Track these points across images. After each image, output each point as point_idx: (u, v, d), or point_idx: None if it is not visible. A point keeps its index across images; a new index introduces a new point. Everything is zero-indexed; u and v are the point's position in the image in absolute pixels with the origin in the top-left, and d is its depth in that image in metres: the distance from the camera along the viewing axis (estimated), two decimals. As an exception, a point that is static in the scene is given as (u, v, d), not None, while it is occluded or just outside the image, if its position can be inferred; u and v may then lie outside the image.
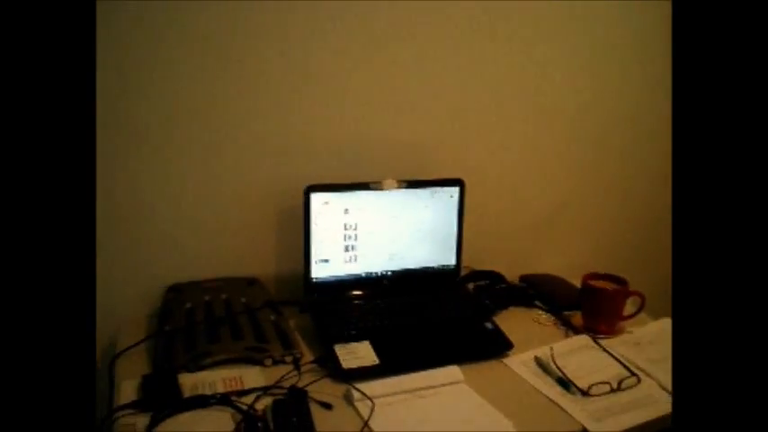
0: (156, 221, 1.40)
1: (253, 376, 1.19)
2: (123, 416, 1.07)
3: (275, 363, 1.24)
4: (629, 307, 1.44)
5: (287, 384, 1.16)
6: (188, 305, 1.37)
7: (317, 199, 1.37)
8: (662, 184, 1.95)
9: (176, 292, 1.42)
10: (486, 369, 1.28)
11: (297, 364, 1.24)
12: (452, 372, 1.22)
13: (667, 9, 1.76)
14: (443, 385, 1.19)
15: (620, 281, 1.45)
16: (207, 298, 1.39)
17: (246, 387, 1.15)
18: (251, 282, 1.48)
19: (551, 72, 1.67)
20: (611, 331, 1.43)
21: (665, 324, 1.49)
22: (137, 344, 1.29)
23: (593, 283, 1.45)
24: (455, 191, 1.49)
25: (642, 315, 1.44)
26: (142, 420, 1.05)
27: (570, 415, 1.14)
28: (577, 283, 1.48)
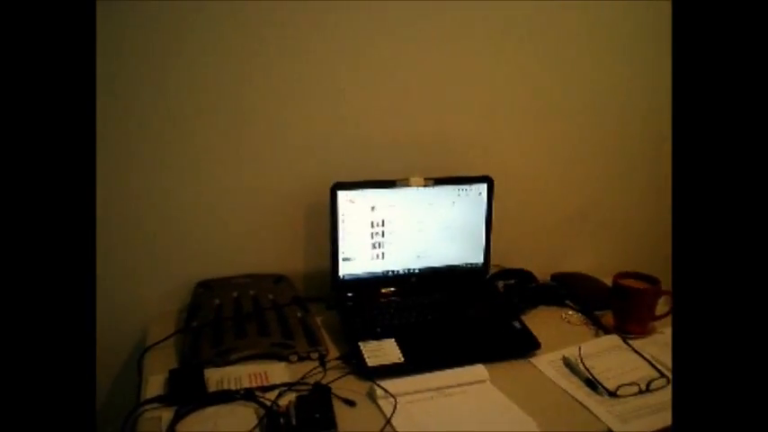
0: (187, 218, 1.42)
1: (278, 372, 1.20)
2: (149, 410, 1.09)
3: (300, 359, 1.25)
4: (661, 307, 1.41)
5: (311, 381, 1.17)
6: (216, 301, 1.38)
7: (343, 197, 1.37)
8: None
9: (205, 288, 1.43)
10: (513, 368, 1.27)
11: (322, 360, 1.25)
12: (477, 371, 1.21)
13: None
14: (468, 384, 1.19)
15: (652, 280, 1.42)
16: (235, 294, 1.41)
17: (271, 383, 1.16)
18: (278, 279, 1.49)
19: (582, 70, 1.65)
20: (643, 331, 1.41)
21: (699, 325, 1.45)
22: (165, 339, 1.31)
23: (624, 282, 1.42)
24: (483, 188, 1.47)
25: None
26: (167, 415, 1.07)
27: (596, 416, 1.12)
28: (609, 282, 1.45)
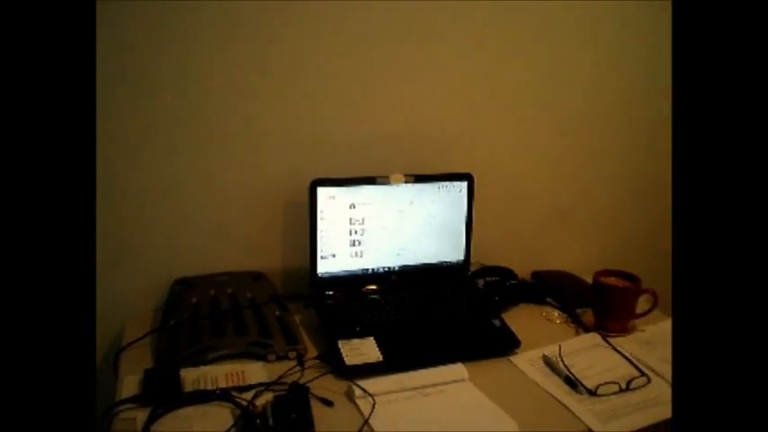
0: (163, 215, 1.40)
1: (255, 372, 1.18)
2: (124, 410, 1.07)
3: (278, 358, 1.23)
4: (641, 305, 1.41)
5: (289, 380, 1.15)
6: (194, 299, 1.36)
7: (323, 193, 1.35)
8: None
9: (183, 286, 1.41)
10: (493, 367, 1.26)
11: (300, 359, 1.23)
12: (457, 370, 1.20)
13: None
14: (447, 383, 1.18)
15: (632, 278, 1.42)
16: (212, 292, 1.39)
17: (248, 382, 1.14)
18: (257, 276, 1.47)
19: (562, 69, 1.64)
20: (623, 329, 1.40)
21: (679, 323, 1.45)
22: (141, 338, 1.28)
23: (604, 280, 1.42)
24: (464, 185, 1.46)
25: (655, 313, 1.41)
26: (143, 415, 1.05)
27: (576, 415, 1.12)
28: (590, 280, 1.45)
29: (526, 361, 1.28)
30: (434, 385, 1.17)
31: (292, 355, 1.24)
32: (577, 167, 1.75)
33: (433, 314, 1.38)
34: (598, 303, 1.44)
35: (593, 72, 1.68)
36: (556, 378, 1.22)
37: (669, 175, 1.85)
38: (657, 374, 1.24)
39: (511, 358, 1.29)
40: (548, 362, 1.27)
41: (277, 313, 1.35)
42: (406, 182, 1.42)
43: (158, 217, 1.39)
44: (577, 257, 1.77)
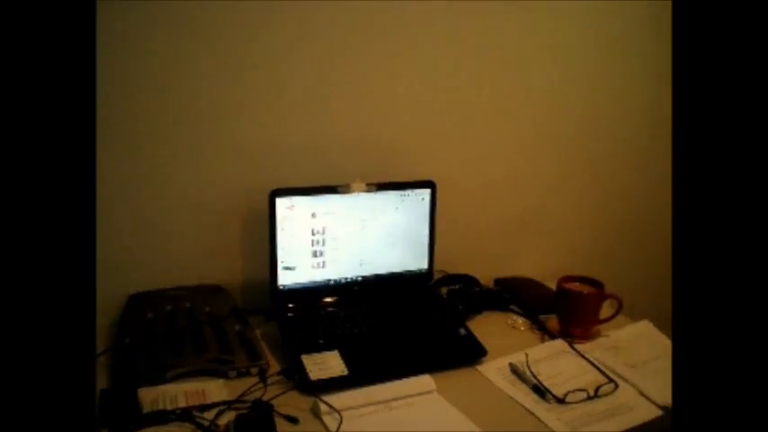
0: (116, 227, 1.34)
1: (216, 389, 1.14)
2: (77, 435, 1.02)
3: (240, 375, 1.19)
4: (605, 310, 1.41)
5: (252, 398, 1.11)
6: (150, 315, 1.31)
7: (282, 203, 1.32)
8: (637, 187, 1.92)
9: (138, 302, 1.36)
10: (460, 377, 1.24)
11: (262, 376, 1.19)
12: (424, 381, 1.18)
13: (643, 10, 1.73)
14: (414, 395, 1.15)
15: (596, 284, 1.42)
16: (169, 307, 1.34)
17: (209, 401, 1.10)
18: (215, 290, 1.42)
19: (524, 76, 1.64)
20: (588, 335, 1.40)
21: (643, 327, 1.46)
22: (96, 356, 1.23)
23: (568, 286, 1.42)
24: (426, 193, 1.45)
25: (619, 318, 1.41)
26: (98, 439, 1.00)
27: (545, 424, 1.10)
28: (554, 286, 1.45)
29: (493, 370, 1.26)
30: (402, 398, 1.14)
31: (254, 371, 1.20)
32: (540, 173, 1.75)
33: (397, 325, 1.36)
34: (562, 309, 1.43)
35: (555, 78, 1.68)
36: (524, 386, 1.21)
37: (632, 179, 1.88)
38: (624, 380, 1.23)
39: (478, 367, 1.27)
40: (515, 370, 1.26)
41: (237, 328, 1.30)
42: (367, 190, 1.39)
43: (111, 229, 1.34)
44: (540, 263, 1.77)
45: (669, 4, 1.74)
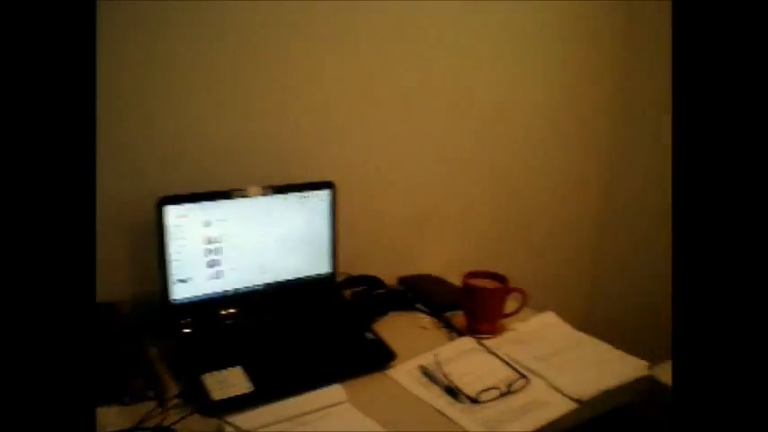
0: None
1: (111, 417, 1.05)
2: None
3: (136, 399, 1.10)
4: (511, 304, 1.41)
5: (151, 424, 1.03)
6: (28, 342, 1.19)
7: (172, 212, 1.23)
8: (543, 178, 1.94)
9: (14, 328, 1.23)
10: (371, 384, 1.20)
11: (161, 399, 1.10)
12: (334, 392, 1.13)
13: (544, 12, 1.75)
14: (326, 407, 1.10)
15: (500, 278, 1.41)
16: (51, 332, 1.22)
17: (105, 430, 1.01)
18: (105, 307, 1.31)
19: (422, 74, 1.61)
20: (495, 330, 1.39)
21: (548, 318, 1.47)
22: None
23: (473, 282, 1.40)
24: (325, 194, 1.39)
25: (524, 311, 1.41)
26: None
27: (461, 426, 1.08)
28: (458, 281, 1.43)
29: (404, 373, 1.23)
30: (312, 412, 1.08)
31: (151, 394, 1.11)
32: (441, 169, 1.74)
33: (303, 333, 1.30)
34: (468, 305, 1.42)
35: (451, 78, 1.67)
36: (436, 388, 1.18)
37: (535, 173, 1.90)
38: (535, 374, 1.23)
39: (388, 372, 1.23)
40: (426, 372, 1.23)
41: (130, 348, 1.20)
42: (264, 194, 1.32)
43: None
44: (444, 260, 1.76)
45: (568, 5, 1.78)
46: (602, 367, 1.27)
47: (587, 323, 2.14)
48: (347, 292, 1.50)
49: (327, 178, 1.40)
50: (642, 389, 1.27)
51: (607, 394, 1.20)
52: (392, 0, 1.51)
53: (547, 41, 1.82)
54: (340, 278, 1.50)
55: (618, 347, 1.35)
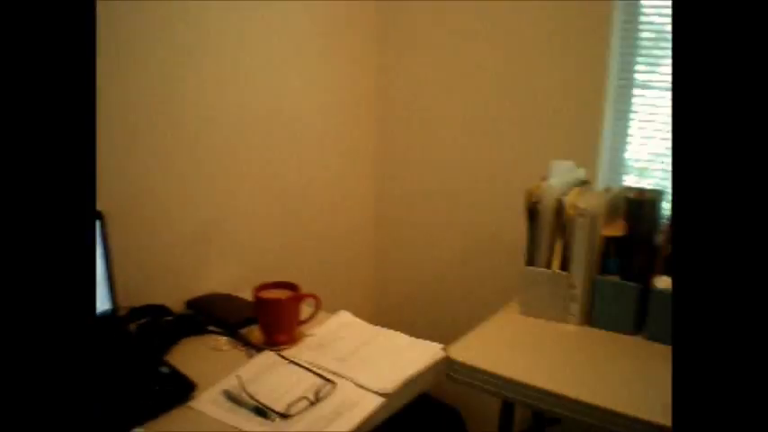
0: None
1: None
2: None
3: None
4: (305, 310, 1.41)
5: None
6: None
7: None
8: (318, 184, 1.94)
9: None
10: (174, 421, 1.13)
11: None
12: (135, 439, 1.05)
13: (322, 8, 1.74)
14: (129, 457, 1.02)
15: (291, 287, 1.40)
16: None
17: None
18: None
19: (194, 78, 1.54)
20: (292, 340, 1.39)
21: (343, 317, 1.49)
22: None
23: (263, 294, 1.38)
24: (95, 226, 1.29)
25: (319, 315, 1.42)
26: None
27: (276, 444, 1.06)
28: (249, 296, 1.40)
29: (208, 402, 1.18)
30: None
31: None
32: (218, 184, 1.67)
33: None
34: (263, 319, 1.40)
35: (228, 83, 1.61)
36: (244, 411, 1.15)
37: (310, 179, 1.90)
38: (339, 376, 1.24)
39: (190, 404, 1.17)
40: (230, 396, 1.19)
41: None
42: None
43: None
44: (233, 276, 1.71)
45: (323, 5, 1.80)
46: (400, 356, 1.32)
47: (378, 316, 2.23)
48: (132, 326, 1.40)
49: (98, 209, 1.29)
50: (440, 370, 1.34)
51: (410, 382, 1.25)
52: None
53: (311, 49, 1.83)
54: (122, 312, 1.40)
55: (410, 334, 1.41)
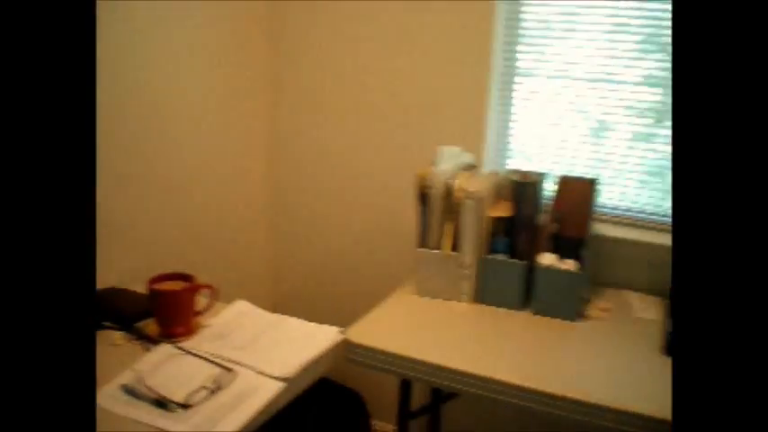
0: None
1: None
2: None
3: None
4: (201, 301, 1.40)
5: None
6: None
7: None
8: (209, 175, 1.92)
9: None
10: (70, 418, 1.11)
11: None
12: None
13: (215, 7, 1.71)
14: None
15: (186, 278, 1.40)
16: None
17: None
18: None
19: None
20: (189, 331, 1.38)
21: (240, 306, 1.50)
22: None
23: (157, 286, 1.37)
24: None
25: (217, 305, 1.42)
26: None
27: (178, 435, 1.06)
28: (143, 289, 1.38)
29: (106, 398, 1.16)
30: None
31: None
32: (106, 172, 1.62)
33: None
34: (159, 311, 1.38)
35: (111, 74, 1.57)
36: (144, 404, 1.14)
37: (199, 170, 1.88)
38: (239, 364, 1.25)
39: (88, 401, 1.16)
40: (129, 390, 1.17)
41: None
42: None
43: None
44: (124, 269, 1.67)
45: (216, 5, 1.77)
46: (299, 342, 1.34)
47: (276, 304, 2.24)
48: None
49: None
50: (340, 354, 1.38)
51: (310, 366, 1.28)
52: None
53: (205, 43, 1.81)
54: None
55: (309, 320, 1.43)
